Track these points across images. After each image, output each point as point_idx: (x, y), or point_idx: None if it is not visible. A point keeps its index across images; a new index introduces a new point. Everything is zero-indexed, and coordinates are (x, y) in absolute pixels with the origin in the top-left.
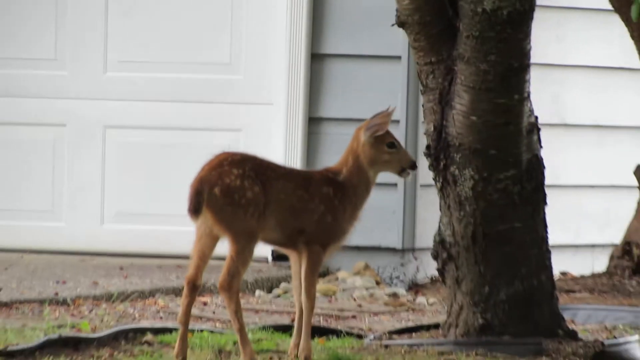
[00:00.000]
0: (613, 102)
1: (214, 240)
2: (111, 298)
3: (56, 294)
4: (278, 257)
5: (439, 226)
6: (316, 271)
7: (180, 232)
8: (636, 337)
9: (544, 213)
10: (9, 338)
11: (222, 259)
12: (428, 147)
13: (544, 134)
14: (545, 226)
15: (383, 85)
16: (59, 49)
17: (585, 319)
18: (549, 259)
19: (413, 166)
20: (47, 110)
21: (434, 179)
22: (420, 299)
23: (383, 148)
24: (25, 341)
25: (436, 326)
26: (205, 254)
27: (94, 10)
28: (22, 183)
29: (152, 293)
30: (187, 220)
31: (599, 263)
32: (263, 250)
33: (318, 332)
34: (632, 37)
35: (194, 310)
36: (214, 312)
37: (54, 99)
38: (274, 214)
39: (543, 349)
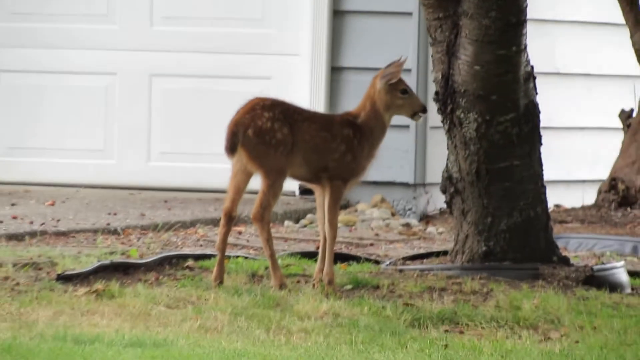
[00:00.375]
0: (600, 53)
1: (248, 176)
2: (157, 228)
3: (108, 224)
4: (304, 191)
5: (447, 164)
6: (338, 203)
7: (217, 169)
8: (622, 263)
9: (540, 152)
10: (66, 264)
11: (255, 192)
12: (437, 93)
13: (539, 82)
14: (541, 164)
15: (396, 38)
16: (110, 5)
17: (577, 246)
18: (544, 193)
19: (424, 110)
20: (99, 60)
21: (442, 122)
22: (430, 229)
23: (397, 94)
24: (81, 266)
25: (445, 253)
26: (240, 189)
27: None
28: (78, 125)
29: (192, 223)
30: (224, 158)
31: (589, 197)
32: (291, 185)
33: (340, 258)
34: None
35: (230, 239)
36: (247, 240)
37: (106, 50)
38: (301, 153)
39: (539, 273)
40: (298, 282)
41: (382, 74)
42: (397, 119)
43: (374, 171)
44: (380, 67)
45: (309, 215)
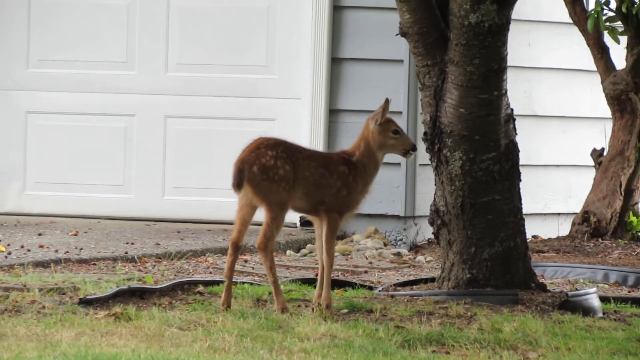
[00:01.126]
0: (574, 97)
1: (253, 209)
2: (170, 256)
3: (126, 252)
4: (305, 223)
5: (434, 198)
6: (335, 234)
7: (225, 203)
8: (594, 289)
9: (519, 187)
10: (87, 289)
11: (260, 224)
12: (425, 133)
13: (518, 123)
14: (520, 198)
15: (389, 83)
16: (129, 53)
17: (553, 274)
18: (523, 225)
19: (414, 148)
20: (120, 103)
21: (430, 160)
22: (419, 258)
23: (389, 134)
24: (101, 291)
25: (432, 280)
26: (246, 220)
27: (157, 19)
28: (100, 162)
29: (203, 252)
30: (231, 193)
31: (563, 228)
32: (293, 217)
33: (337, 284)
34: (588, 44)
35: (237, 266)
36: (253, 268)
37: (126, 94)
38: (301, 188)
39: (519, 298)
40: (299, 306)
41: (373, 116)
42: (389, 157)
43: (368, 205)
44: (374, 110)
45: (309, 245)
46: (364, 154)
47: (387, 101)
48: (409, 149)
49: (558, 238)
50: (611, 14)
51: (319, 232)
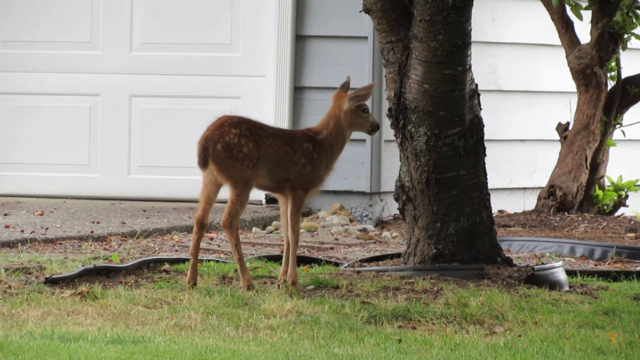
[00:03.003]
0: (539, 72)
1: (218, 187)
2: (136, 235)
3: (92, 232)
4: (270, 200)
5: (399, 174)
6: (300, 211)
7: (191, 181)
8: (560, 263)
9: (484, 162)
10: (53, 268)
11: (224, 202)
12: (390, 109)
13: (483, 99)
14: (485, 173)
15: (353, 60)
16: (94, 32)
17: (519, 248)
18: (489, 200)
19: (377, 127)
20: (85, 82)
21: (395, 136)
22: (385, 233)
23: (360, 114)
24: (67, 270)
25: (398, 255)
26: (210, 198)
27: (121, 1)
28: (65, 142)
29: (169, 230)
30: (196, 171)
31: (529, 203)
32: (258, 194)
33: (303, 261)
34: (553, 19)
35: (203, 244)
36: (218, 246)
37: (90, 73)
38: (265, 165)
39: (485, 273)
40: (265, 283)
41: (352, 96)
42: (354, 134)
43: (334, 181)
44: (337, 86)
45: (275, 222)
46: (332, 132)
47: (372, 84)
48: (374, 128)
49: (524, 212)
50: None
51: (284, 209)
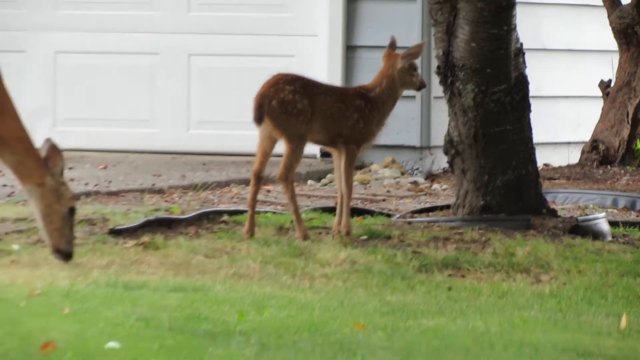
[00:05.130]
0: (581, 31)
1: (273, 141)
2: (196, 187)
3: (153, 184)
4: (324, 154)
5: (448, 129)
6: (352, 164)
7: (248, 136)
8: (603, 214)
9: (529, 118)
10: (116, 219)
11: (280, 156)
12: (438, 67)
13: (528, 57)
14: (530, 128)
15: (403, 20)
16: None
17: (563, 200)
18: (534, 154)
19: (425, 85)
20: (144, 42)
21: (444, 92)
22: (435, 186)
23: (411, 72)
24: (130, 222)
25: (447, 207)
26: (266, 153)
27: None
28: (127, 98)
29: (227, 183)
30: (253, 126)
31: (573, 157)
32: (312, 149)
33: (356, 212)
34: None
35: (260, 196)
36: (275, 198)
37: (150, 33)
38: (318, 121)
39: (531, 224)
40: (319, 233)
41: (404, 54)
42: (406, 93)
43: (385, 136)
44: (386, 45)
45: (329, 175)
46: (384, 90)
47: (422, 43)
48: (422, 85)
49: (568, 166)
50: None
51: (338, 163)
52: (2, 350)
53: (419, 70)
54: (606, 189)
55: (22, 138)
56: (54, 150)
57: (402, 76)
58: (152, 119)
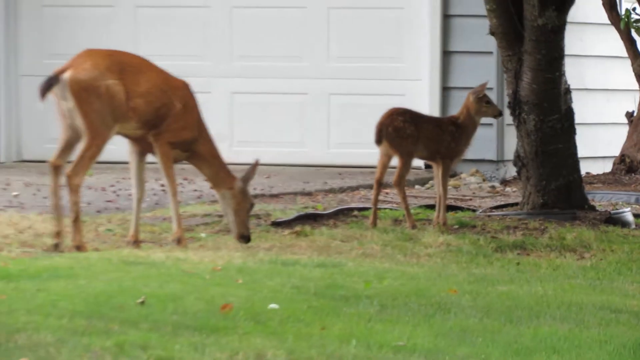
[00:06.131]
0: (612, 75)
1: (389, 157)
2: (334, 191)
3: (303, 189)
4: (427, 166)
5: (516, 147)
6: (447, 174)
7: (371, 153)
8: (629, 209)
9: (575, 139)
10: (276, 214)
11: (394, 167)
12: (509, 102)
13: (574, 95)
14: (576, 146)
15: (483, 68)
16: (302, 49)
17: (600, 199)
18: (579, 165)
19: (500, 114)
20: (296, 85)
21: (513, 121)
22: (507, 189)
23: (483, 104)
24: (286, 216)
25: (516, 204)
26: (385, 165)
27: (321, 23)
28: (284, 126)
29: (357, 187)
30: (374, 146)
31: (607, 167)
32: (418, 162)
33: (450, 208)
34: (621, 38)
35: (380, 197)
36: (392, 198)
37: (300, 78)
38: (422, 142)
39: (577, 216)
40: (424, 224)
41: (473, 91)
42: (485, 120)
43: (471, 153)
44: (474, 86)
45: (430, 182)
46: (466, 118)
47: (485, 83)
48: (497, 113)
49: (603, 174)
50: (637, 16)
51: (437, 173)
52: (194, 310)
53: (495, 103)
54: (631, 191)
55: (216, 155)
56: (253, 166)
57: (475, 107)
58: (302, 141)
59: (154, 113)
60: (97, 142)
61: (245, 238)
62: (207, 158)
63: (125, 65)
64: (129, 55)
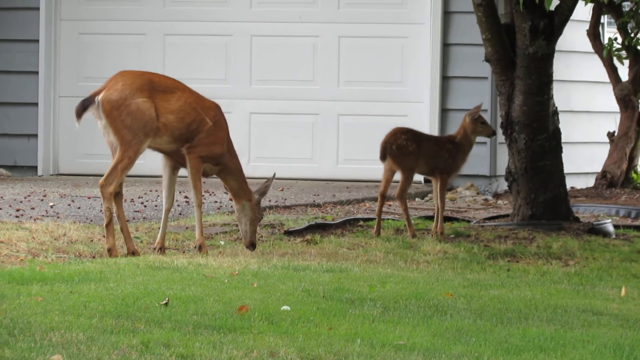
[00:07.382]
0: (595, 99)
1: (393, 172)
2: (342, 202)
3: (314, 201)
4: (426, 181)
5: (508, 164)
6: (445, 188)
7: (376, 168)
8: (609, 220)
9: (561, 156)
10: (289, 224)
11: (396, 182)
12: (502, 123)
13: (561, 116)
14: (562, 163)
15: (479, 91)
16: (315, 74)
17: (583, 211)
18: (564, 180)
19: (494, 133)
20: (308, 106)
21: (505, 140)
22: (499, 202)
23: (478, 124)
24: (298, 225)
25: (507, 215)
26: (388, 180)
27: (332, 53)
28: (297, 144)
29: (362, 200)
30: (379, 162)
31: (590, 182)
32: (418, 177)
33: (447, 219)
34: (604, 65)
35: (384, 209)
36: (394, 210)
37: (312, 100)
38: (423, 159)
39: (563, 227)
40: (423, 233)
41: (469, 113)
42: (480, 138)
43: (467, 168)
44: (470, 108)
45: (430, 195)
46: (463, 137)
47: (480, 105)
48: (491, 133)
49: (586, 188)
50: (618, 45)
51: (435, 187)
52: (213, 311)
53: (489, 123)
54: (611, 204)
55: (241, 170)
56: (269, 181)
57: (471, 127)
58: (313, 157)
59: (185, 128)
60: (129, 154)
61: (253, 246)
62: (234, 172)
63: (156, 85)
64: (161, 76)
